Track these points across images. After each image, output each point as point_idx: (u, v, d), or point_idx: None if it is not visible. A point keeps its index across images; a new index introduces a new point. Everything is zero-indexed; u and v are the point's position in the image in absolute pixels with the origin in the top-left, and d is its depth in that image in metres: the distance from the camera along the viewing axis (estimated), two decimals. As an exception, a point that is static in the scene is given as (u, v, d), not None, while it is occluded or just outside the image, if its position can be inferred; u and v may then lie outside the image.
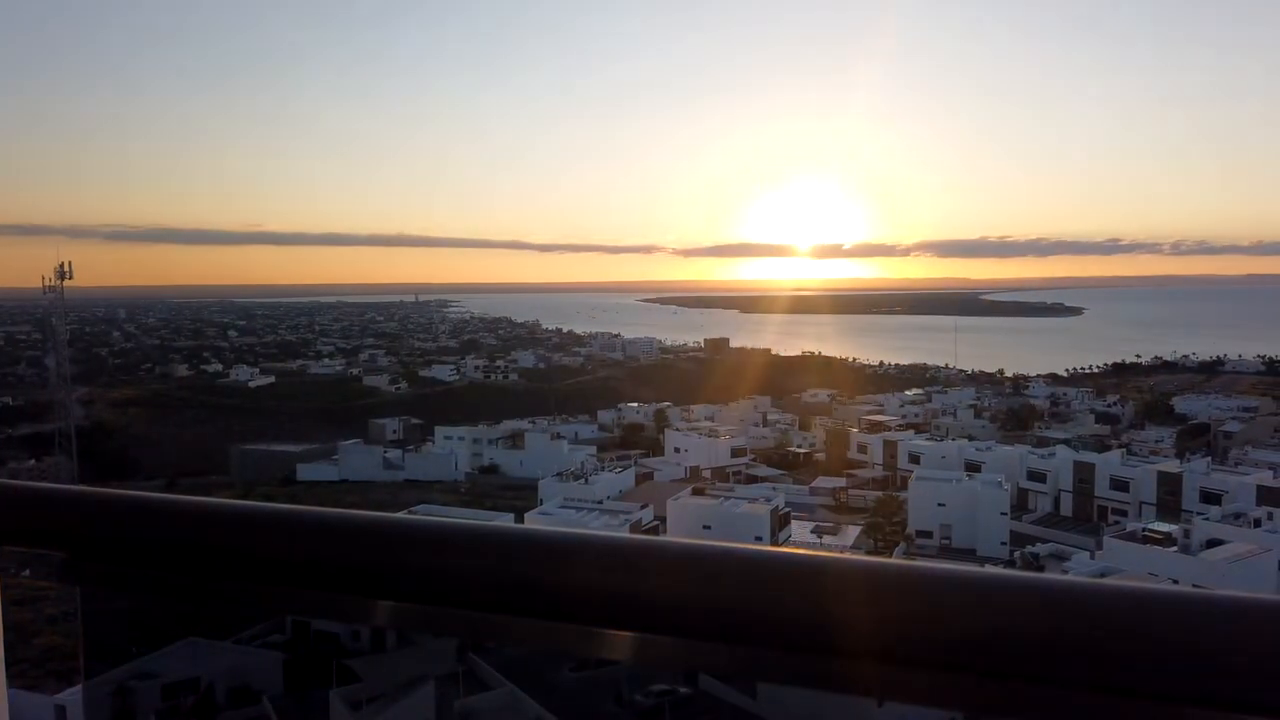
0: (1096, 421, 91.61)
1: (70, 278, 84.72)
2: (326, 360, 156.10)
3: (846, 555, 0.93)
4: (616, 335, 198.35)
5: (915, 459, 66.39)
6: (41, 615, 31.64)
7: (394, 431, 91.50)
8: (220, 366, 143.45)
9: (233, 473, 79.53)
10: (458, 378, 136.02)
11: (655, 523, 46.39)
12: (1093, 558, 41.74)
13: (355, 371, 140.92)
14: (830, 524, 50.96)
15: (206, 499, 1.23)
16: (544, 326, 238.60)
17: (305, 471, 73.17)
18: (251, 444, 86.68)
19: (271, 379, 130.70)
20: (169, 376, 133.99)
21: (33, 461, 77.21)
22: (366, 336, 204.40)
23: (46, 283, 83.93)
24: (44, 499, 1.30)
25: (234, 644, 1.37)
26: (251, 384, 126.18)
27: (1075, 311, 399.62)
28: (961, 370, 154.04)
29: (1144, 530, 43.96)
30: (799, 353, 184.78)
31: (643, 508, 47.34)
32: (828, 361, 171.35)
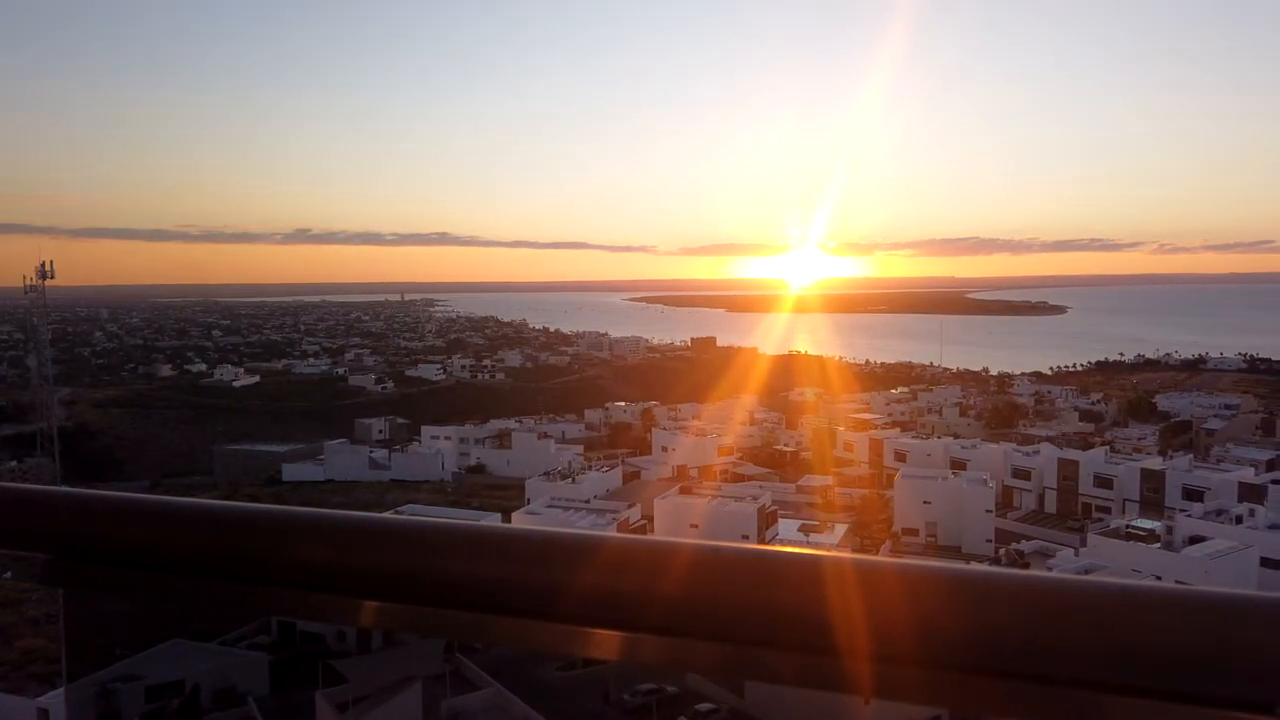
0: (1080, 419, 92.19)
1: (52, 277, 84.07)
2: (312, 360, 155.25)
3: (834, 553, 0.93)
4: (604, 334, 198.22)
5: (901, 457, 66.62)
6: (23, 617, 31.40)
7: (380, 431, 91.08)
8: (204, 366, 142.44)
9: (217, 473, 79.04)
10: (444, 377, 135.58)
11: (642, 522, 46.39)
12: (1077, 554, 42.03)
13: (341, 371, 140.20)
14: (817, 522, 51.11)
15: (190, 500, 1.22)
16: (531, 326, 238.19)
17: (290, 472, 72.76)
18: (236, 444, 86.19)
19: (256, 379, 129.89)
20: (152, 376, 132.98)
21: (14, 463, 76.48)
22: (352, 336, 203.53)
23: (28, 282, 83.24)
24: (26, 500, 1.29)
25: (219, 645, 1.35)
26: (236, 384, 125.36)
27: (1059, 310, 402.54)
28: (947, 368, 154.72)
29: (1127, 527, 44.26)
30: (785, 351, 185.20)
31: (630, 507, 47.33)
32: (814, 360, 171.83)
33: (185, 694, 1.37)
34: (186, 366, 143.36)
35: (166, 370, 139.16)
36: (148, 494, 1.29)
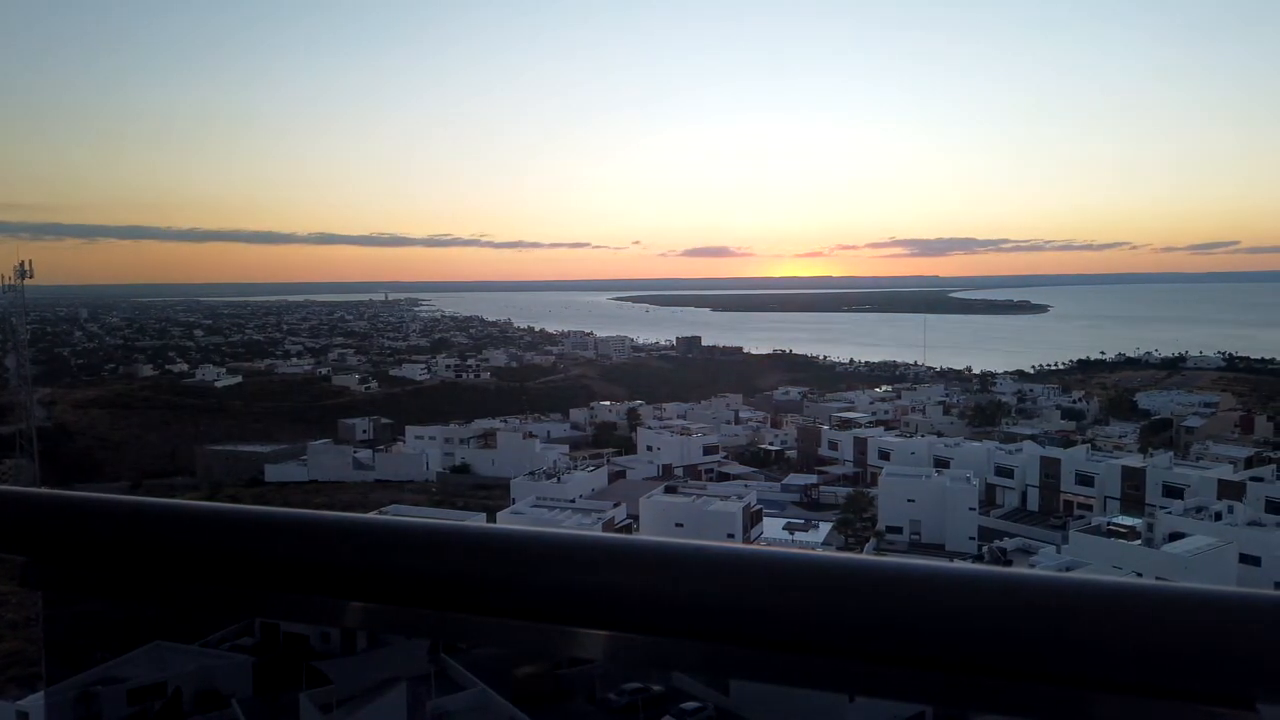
0: (1062, 417, 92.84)
1: (31, 276, 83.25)
2: (295, 359, 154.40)
3: (818, 552, 0.94)
4: (589, 334, 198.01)
5: (885, 455, 66.92)
6: (3, 620, 31.05)
7: (364, 431, 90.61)
8: (186, 366, 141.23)
9: (199, 474, 78.37)
10: (428, 377, 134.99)
11: (628, 521, 46.39)
12: (1059, 551, 42.32)
13: (324, 371, 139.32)
14: (802, 520, 51.29)
15: (172, 501, 1.21)
16: (516, 325, 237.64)
17: (273, 472, 72.28)
18: (218, 445, 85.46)
19: (239, 379, 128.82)
20: (133, 376, 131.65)
21: (-7, 464, 75.61)
22: (335, 335, 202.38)
23: (6, 281, 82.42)
24: (5, 502, 1.27)
25: (201, 647, 1.38)
26: (218, 384, 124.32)
27: (1041, 309, 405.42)
28: (930, 367, 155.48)
29: (1109, 524, 44.62)
30: (770, 350, 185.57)
31: (615, 506, 47.29)
32: (799, 359, 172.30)
33: (167, 696, 1.42)
34: (168, 366, 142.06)
35: (147, 370, 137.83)
36: (129, 495, 1.26)
